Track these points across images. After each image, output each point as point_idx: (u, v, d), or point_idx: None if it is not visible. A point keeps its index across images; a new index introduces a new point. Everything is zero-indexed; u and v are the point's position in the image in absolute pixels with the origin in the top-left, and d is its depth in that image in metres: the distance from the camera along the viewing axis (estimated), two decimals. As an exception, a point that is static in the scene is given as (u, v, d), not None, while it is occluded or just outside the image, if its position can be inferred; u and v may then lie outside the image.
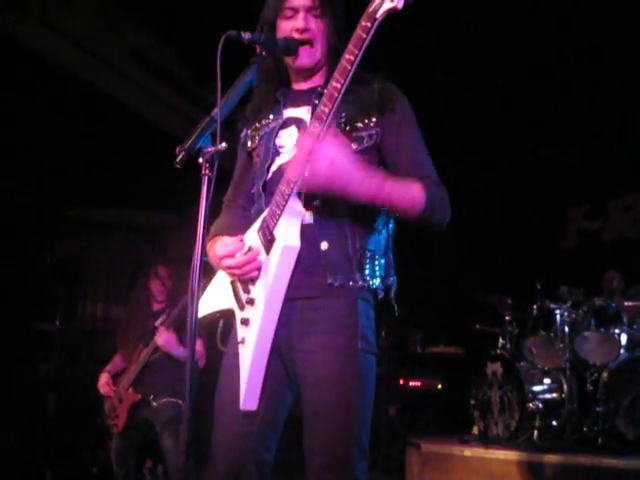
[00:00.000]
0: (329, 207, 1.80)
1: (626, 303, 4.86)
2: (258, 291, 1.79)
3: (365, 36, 1.55)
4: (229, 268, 1.82)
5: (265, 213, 1.82)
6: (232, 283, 1.89)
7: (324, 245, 1.79)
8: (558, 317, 4.94)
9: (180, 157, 1.58)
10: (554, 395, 4.72)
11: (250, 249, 1.81)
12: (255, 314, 1.78)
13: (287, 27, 1.86)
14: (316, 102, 1.79)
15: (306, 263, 1.77)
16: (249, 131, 2.01)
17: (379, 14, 1.53)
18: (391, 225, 1.93)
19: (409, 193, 1.74)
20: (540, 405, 4.62)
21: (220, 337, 1.93)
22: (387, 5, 1.51)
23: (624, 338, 4.65)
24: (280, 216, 1.74)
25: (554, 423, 4.65)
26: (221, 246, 1.85)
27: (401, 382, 6.36)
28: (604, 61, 5.12)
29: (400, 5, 1.50)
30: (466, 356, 6.45)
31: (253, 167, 1.99)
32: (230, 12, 4.06)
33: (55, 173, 5.60)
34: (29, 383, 5.54)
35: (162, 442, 3.90)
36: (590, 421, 4.48)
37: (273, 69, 1.96)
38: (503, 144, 6.37)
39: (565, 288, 5.10)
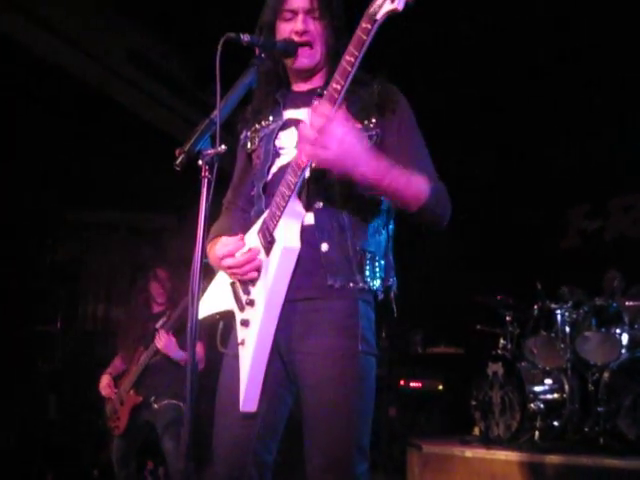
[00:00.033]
0: (329, 208, 1.80)
1: (627, 303, 4.85)
2: (258, 292, 1.79)
3: (365, 38, 1.55)
4: (229, 268, 1.82)
5: (265, 214, 1.82)
6: (232, 284, 1.89)
7: (324, 246, 1.78)
8: (559, 317, 4.93)
9: (180, 159, 1.58)
10: (555, 395, 4.72)
11: (250, 249, 1.81)
12: (255, 315, 1.78)
13: (286, 29, 1.86)
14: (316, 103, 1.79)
15: (306, 264, 1.77)
16: (249, 133, 2.01)
17: (379, 15, 1.53)
18: (391, 226, 1.93)
19: (414, 182, 1.72)
20: (541, 405, 4.62)
21: (220, 339, 1.93)
22: (387, 7, 1.51)
23: (625, 338, 4.64)
24: (280, 217, 1.74)
25: (555, 423, 4.64)
26: (221, 246, 1.85)
27: (402, 383, 6.35)
28: (604, 61, 5.12)
29: (401, 7, 1.50)
30: (467, 356, 6.43)
31: (253, 169, 1.99)
32: (229, 13, 4.07)
33: (55, 175, 5.60)
34: (30, 384, 5.54)
35: (163, 444, 3.90)
36: (591, 421, 4.47)
37: (272, 71, 1.96)
38: (503, 144, 6.37)
39: (566, 288, 5.10)
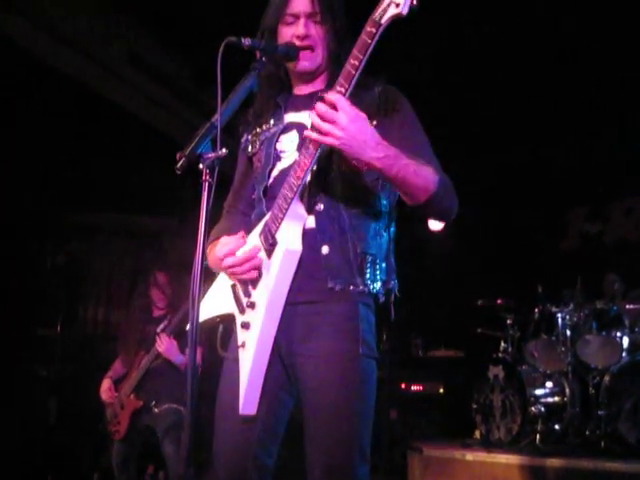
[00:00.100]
0: (330, 211, 1.80)
1: (628, 306, 4.85)
2: (259, 294, 1.78)
3: (370, 41, 1.56)
4: (229, 267, 1.81)
5: (267, 217, 1.81)
6: (233, 287, 1.89)
7: (325, 249, 1.78)
8: (560, 320, 4.94)
9: (180, 163, 1.57)
10: (556, 399, 4.71)
11: (250, 247, 1.80)
12: (256, 318, 1.78)
13: (288, 33, 1.86)
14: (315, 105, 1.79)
15: (307, 267, 1.77)
16: (250, 136, 2.02)
17: (384, 20, 1.54)
18: (392, 229, 1.93)
19: (423, 171, 1.72)
20: (542, 409, 4.62)
21: (220, 342, 1.92)
22: (392, 11, 1.52)
23: (626, 341, 4.64)
24: (282, 220, 1.74)
25: (556, 427, 4.64)
26: (221, 246, 1.84)
27: (403, 386, 6.35)
28: (604, 61, 5.11)
29: (405, 11, 1.51)
30: (468, 360, 6.43)
31: (254, 172, 1.99)
32: (230, 15, 4.08)
33: (55, 177, 5.59)
34: (30, 388, 5.53)
35: (163, 448, 3.89)
36: (592, 425, 4.47)
37: (274, 74, 1.96)
38: (503, 146, 6.37)
39: (566, 291, 5.10)
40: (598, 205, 6.90)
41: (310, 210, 1.80)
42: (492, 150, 6.38)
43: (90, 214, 6.36)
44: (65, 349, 5.52)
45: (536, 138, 6.27)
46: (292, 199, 1.72)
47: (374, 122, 1.82)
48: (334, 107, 1.60)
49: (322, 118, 1.61)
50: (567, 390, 4.65)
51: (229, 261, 1.80)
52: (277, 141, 1.91)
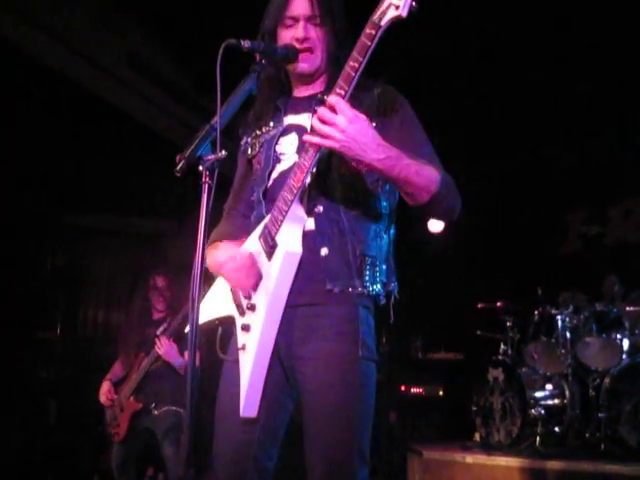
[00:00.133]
0: (330, 213, 1.80)
1: (627, 308, 4.85)
2: (259, 297, 1.78)
3: (369, 44, 1.56)
4: (229, 273, 1.81)
5: (266, 219, 1.81)
6: (232, 289, 1.88)
7: (324, 251, 1.78)
8: (559, 322, 4.93)
9: (180, 165, 1.58)
10: (556, 401, 4.71)
11: (251, 254, 1.80)
12: (256, 320, 1.78)
13: (287, 36, 1.86)
14: (317, 109, 1.79)
15: (307, 270, 1.77)
16: (249, 139, 2.02)
17: (383, 22, 1.54)
18: (392, 231, 1.93)
19: (425, 171, 1.71)
20: (542, 411, 4.61)
21: (219, 344, 1.92)
22: (392, 13, 1.52)
23: (626, 343, 4.64)
24: (282, 222, 1.74)
25: (556, 429, 4.63)
26: (221, 252, 1.84)
27: (402, 388, 6.34)
28: (604, 61, 5.11)
29: (405, 13, 1.51)
30: (467, 362, 6.43)
31: (253, 174, 1.99)
32: (230, 17, 4.07)
33: (55, 179, 5.60)
34: (30, 390, 5.53)
35: (163, 450, 3.90)
36: (592, 427, 4.47)
37: (274, 77, 1.97)
38: (504, 150, 6.36)
39: (566, 293, 5.10)
40: (597, 207, 6.90)
41: (310, 212, 1.80)
42: (493, 155, 6.37)
43: (90, 216, 6.36)
44: (65, 351, 5.52)
45: (536, 142, 6.26)
46: (292, 201, 1.72)
47: (374, 123, 1.83)
48: (334, 110, 1.60)
49: (322, 121, 1.61)
50: (567, 392, 4.64)
51: (229, 266, 1.80)
52: (277, 143, 1.91)
